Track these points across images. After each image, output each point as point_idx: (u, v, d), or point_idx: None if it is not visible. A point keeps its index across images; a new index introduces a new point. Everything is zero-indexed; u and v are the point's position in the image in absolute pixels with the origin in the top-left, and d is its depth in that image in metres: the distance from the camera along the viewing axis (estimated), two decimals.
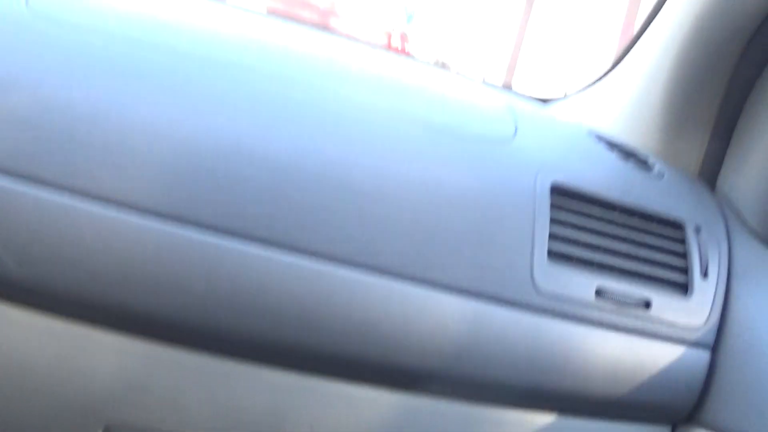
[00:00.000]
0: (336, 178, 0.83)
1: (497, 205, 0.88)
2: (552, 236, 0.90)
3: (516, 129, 0.99)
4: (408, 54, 5.20)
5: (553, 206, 0.92)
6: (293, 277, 0.80)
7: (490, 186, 0.89)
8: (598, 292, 0.90)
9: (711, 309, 0.97)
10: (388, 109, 0.92)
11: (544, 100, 1.37)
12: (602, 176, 1.00)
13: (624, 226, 0.96)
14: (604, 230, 0.94)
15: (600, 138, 1.09)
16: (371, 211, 0.83)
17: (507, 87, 1.32)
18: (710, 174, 1.13)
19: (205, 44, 0.90)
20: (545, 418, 0.92)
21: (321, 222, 0.81)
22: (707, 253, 0.99)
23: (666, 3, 1.15)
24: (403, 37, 5.16)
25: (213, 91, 0.84)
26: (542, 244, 0.89)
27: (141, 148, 0.78)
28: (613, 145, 1.08)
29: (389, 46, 5.04)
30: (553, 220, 0.91)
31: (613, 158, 1.05)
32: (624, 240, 0.95)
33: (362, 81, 0.97)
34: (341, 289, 0.81)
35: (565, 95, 1.36)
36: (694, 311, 0.96)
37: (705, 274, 0.97)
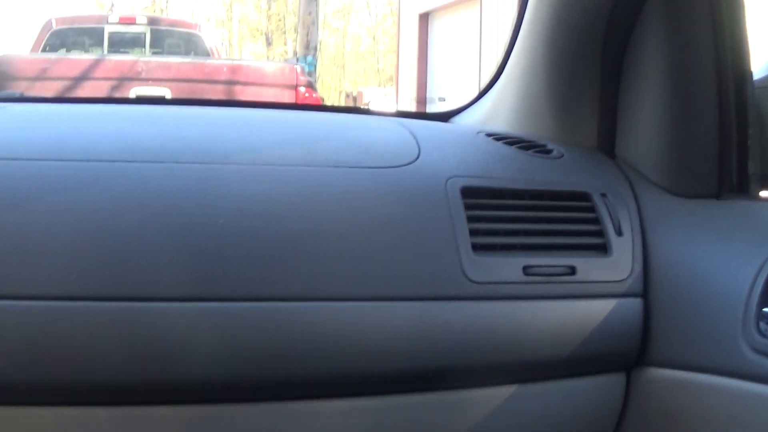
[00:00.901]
0: (274, 231, 0.94)
1: (416, 218, 1.00)
2: (473, 232, 1.01)
3: (419, 150, 1.10)
4: (318, 102, 5.32)
5: (467, 207, 1.02)
6: (264, 320, 0.92)
7: (405, 204, 1.00)
8: (526, 270, 1.01)
9: (633, 261, 1.07)
10: (302, 161, 1.03)
11: (446, 114, 1.47)
12: (507, 170, 1.11)
13: (536, 208, 1.07)
14: (519, 216, 1.05)
15: (498, 138, 1.20)
16: (309, 251, 0.94)
17: (409, 111, 1.42)
18: (608, 144, 1.24)
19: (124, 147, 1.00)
20: (509, 390, 1.02)
21: (272, 269, 0.92)
22: (617, 214, 1.09)
23: (528, 5, 1.27)
24: (309, 90, 5.29)
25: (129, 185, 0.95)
26: (465, 241, 1.00)
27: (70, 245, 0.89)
28: (510, 142, 1.18)
29: (298, 101, 5.16)
30: (470, 218, 1.02)
31: (513, 152, 1.16)
32: (539, 220, 1.06)
33: (277, 143, 1.08)
34: (301, 321, 0.93)
35: (464, 107, 1.46)
36: (616, 266, 1.06)
37: (619, 232, 1.08)
